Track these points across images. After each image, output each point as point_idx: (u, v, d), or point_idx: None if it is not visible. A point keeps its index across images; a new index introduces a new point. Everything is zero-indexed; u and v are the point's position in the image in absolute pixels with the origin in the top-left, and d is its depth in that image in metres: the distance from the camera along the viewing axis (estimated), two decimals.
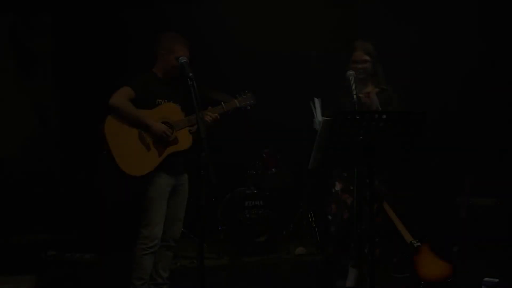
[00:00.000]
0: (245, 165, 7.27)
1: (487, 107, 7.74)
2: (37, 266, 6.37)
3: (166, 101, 4.83)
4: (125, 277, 5.21)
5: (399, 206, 6.71)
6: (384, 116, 3.54)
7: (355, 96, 4.42)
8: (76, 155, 7.27)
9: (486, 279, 5.22)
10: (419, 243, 5.70)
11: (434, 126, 6.67)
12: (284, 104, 7.54)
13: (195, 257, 6.54)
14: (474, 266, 6.26)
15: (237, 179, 7.38)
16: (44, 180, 7.35)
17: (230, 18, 7.61)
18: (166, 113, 4.79)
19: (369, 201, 3.82)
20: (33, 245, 6.95)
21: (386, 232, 6.19)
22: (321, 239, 4.86)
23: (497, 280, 5.18)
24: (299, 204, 7.47)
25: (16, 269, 6.08)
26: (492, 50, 7.63)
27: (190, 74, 4.26)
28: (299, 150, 7.11)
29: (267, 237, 6.88)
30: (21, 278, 5.08)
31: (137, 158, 4.63)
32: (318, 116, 4.70)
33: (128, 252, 6.29)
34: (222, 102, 4.93)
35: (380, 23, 7.70)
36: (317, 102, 4.79)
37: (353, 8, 7.74)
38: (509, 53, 7.62)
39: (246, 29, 7.57)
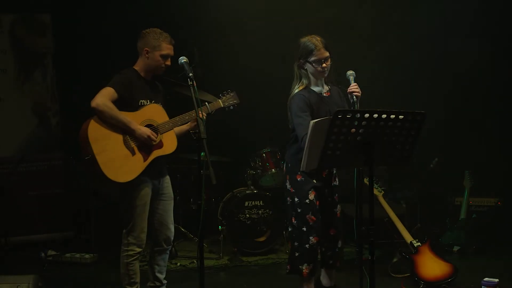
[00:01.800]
0: (245, 165, 7.23)
1: (487, 107, 7.76)
2: (37, 266, 6.38)
3: (149, 101, 4.69)
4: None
5: (398, 206, 6.73)
6: (384, 115, 3.50)
7: (354, 96, 4.38)
8: (76, 155, 7.23)
9: (486, 279, 5.21)
10: (419, 243, 5.71)
11: (434, 125, 6.69)
12: (285, 103, 7.51)
13: (195, 257, 6.54)
14: (474, 266, 6.30)
15: (237, 179, 7.37)
16: (44, 179, 7.34)
17: (225, 13, 7.64)
18: (150, 115, 4.64)
19: (369, 201, 3.78)
20: (33, 245, 6.96)
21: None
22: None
23: (497, 280, 5.17)
24: None
25: (16, 269, 6.11)
26: (491, 48, 7.65)
27: (190, 75, 4.21)
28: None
29: (267, 237, 6.86)
30: (21, 278, 5.06)
31: (122, 164, 4.46)
32: None
33: None
34: (205, 103, 4.79)
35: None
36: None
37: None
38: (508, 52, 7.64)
39: (243, 25, 7.62)
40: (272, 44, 7.60)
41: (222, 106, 4.91)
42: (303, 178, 4.63)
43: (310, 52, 4.55)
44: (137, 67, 4.75)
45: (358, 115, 3.49)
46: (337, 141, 3.55)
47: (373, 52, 7.69)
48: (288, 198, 4.73)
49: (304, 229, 4.64)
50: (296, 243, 4.70)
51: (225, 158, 7.21)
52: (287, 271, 4.86)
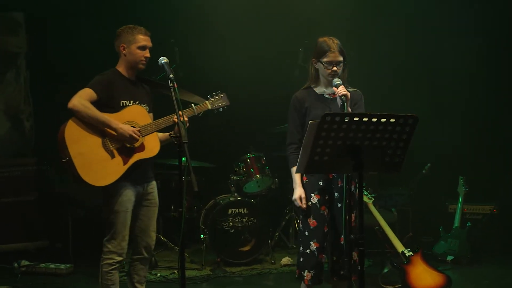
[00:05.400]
0: (228, 171, 7.15)
1: (481, 112, 7.74)
2: (10, 277, 6.27)
3: (132, 102, 4.57)
4: None
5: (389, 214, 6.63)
6: (374, 119, 3.39)
7: (343, 97, 4.23)
8: (50, 161, 7.12)
9: None
10: (411, 253, 5.68)
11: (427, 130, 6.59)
12: (270, 107, 7.40)
13: (176, 268, 6.46)
14: (469, 276, 6.30)
15: (220, 185, 7.28)
16: (17, 186, 7.15)
17: (207, 13, 7.57)
18: (132, 117, 4.51)
19: (359, 209, 3.72)
20: (6, 255, 6.79)
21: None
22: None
23: None
24: (285, 212, 7.35)
25: None
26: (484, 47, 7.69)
27: (171, 76, 4.11)
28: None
29: (252, 246, 6.76)
30: None
31: (100, 167, 4.34)
32: None
33: None
34: (192, 104, 4.71)
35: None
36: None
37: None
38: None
39: (226, 25, 7.53)
40: (258, 46, 7.62)
41: (210, 108, 4.80)
42: (307, 180, 4.60)
43: (323, 53, 4.52)
44: (119, 67, 4.66)
45: (347, 119, 3.36)
46: (325, 146, 3.43)
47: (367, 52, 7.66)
48: None
49: (306, 233, 4.60)
50: (301, 248, 4.67)
51: (207, 163, 7.11)
52: (296, 276, 4.78)
